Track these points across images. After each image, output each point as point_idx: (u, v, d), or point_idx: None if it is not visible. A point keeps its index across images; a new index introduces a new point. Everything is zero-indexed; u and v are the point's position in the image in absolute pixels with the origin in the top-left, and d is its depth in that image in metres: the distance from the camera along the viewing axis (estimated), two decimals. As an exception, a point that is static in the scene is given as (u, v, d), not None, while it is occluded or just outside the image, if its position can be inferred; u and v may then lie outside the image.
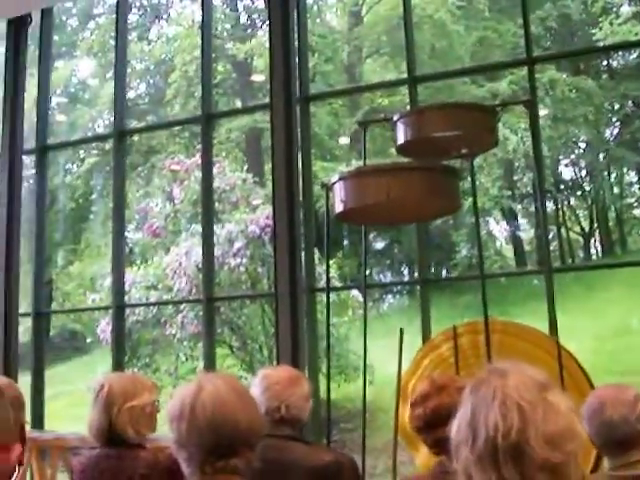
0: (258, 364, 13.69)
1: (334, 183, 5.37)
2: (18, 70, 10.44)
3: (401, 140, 5.77)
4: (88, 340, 20.66)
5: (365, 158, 6.60)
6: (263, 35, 19.24)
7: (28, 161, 10.94)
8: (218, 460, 2.26)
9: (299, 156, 8.49)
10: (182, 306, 13.64)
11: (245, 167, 16.70)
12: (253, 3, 21.95)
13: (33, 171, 11.59)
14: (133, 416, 3.42)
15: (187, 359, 14.40)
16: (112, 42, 17.46)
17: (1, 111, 10.65)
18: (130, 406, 3.42)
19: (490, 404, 1.66)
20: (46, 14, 10.61)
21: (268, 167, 16.94)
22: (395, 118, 5.84)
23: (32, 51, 10.82)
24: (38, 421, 9.62)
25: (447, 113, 5.80)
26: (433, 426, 2.95)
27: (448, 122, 5.56)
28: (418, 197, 5.31)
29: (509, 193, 19.36)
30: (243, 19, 22.03)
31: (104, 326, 13.77)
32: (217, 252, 11.58)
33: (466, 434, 1.68)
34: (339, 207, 5.30)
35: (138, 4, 21.44)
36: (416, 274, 18.81)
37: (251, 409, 2.35)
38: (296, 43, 8.78)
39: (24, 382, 9.81)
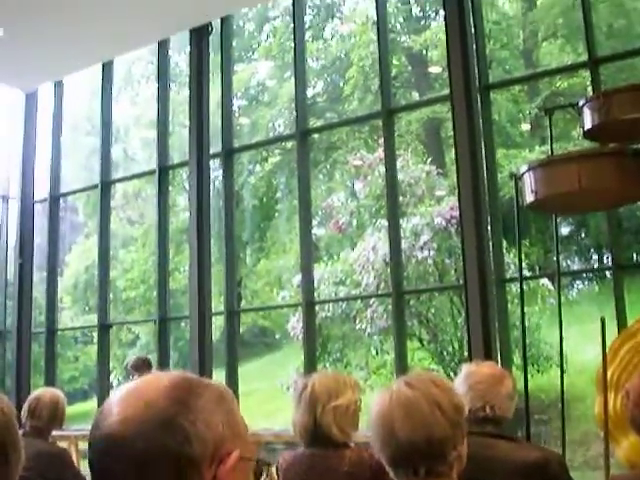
0: (449, 356, 13.64)
1: (523, 173, 5.30)
2: (202, 77, 10.80)
3: (588, 125, 5.63)
4: (277, 336, 21.08)
5: (552, 145, 6.46)
6: (437, 26, 19.12)
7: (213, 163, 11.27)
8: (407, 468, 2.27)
9: (482, 145, 8.41)
10: (371, 300, 13.70)
11: (427, 159, 16.61)
12: (425, -6, 21.85)
13: (218, 173, 11.97)
14: (337, 415, 3.44)
15: (378, 353, 14.45)
16: (289, 43, 17.76)
17: (187, 117, 11.07)
18: (334, 405, 3.44)
19: None
20: (225, 22, 10.91)
21: (449, 158, 16.82)
22: (581, 103, 5.70)
23: (212, 57, 11.15)
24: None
25: (636, 94, 5.61)
26: None
27: (638, 103, 5.39)
28: (611, 183, 5.16)
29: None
30: (415, 11, 21.95)
31: (294, 322, 14.00)
32: (404, 245, 11.60)
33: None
34: (530, 197, 5.22)
35: (311, 4, 21.67)
36: (605, 259, 18.36)
37: (433, 423, 2.29)
38: (472, 31, 8.72)
39: (219, 379, 10.11)
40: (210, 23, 10.83)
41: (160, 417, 1.26)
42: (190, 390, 1.31)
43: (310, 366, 9.51)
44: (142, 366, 8.39)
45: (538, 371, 12.99)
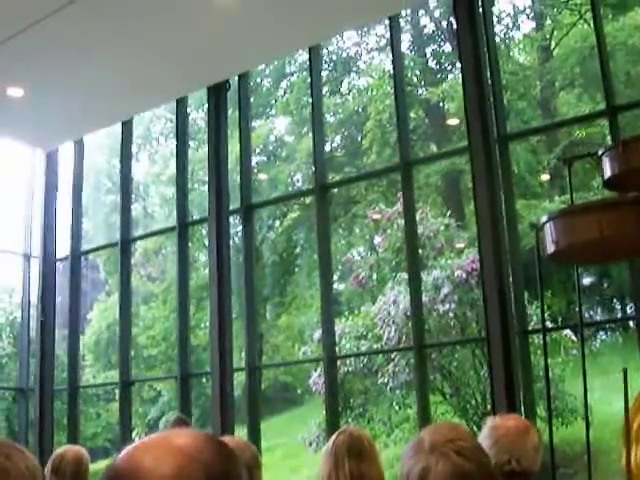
0: (472, 410, 13.50)
1: (544, 223, 5.26)
2: (220, 134, 10.87)
3: (608, 174, 5.60)
4: (299, 392, 20.96)
5: (572, 195, 6.42)
6: (453, 78, 19.25)
7: (232, 219, 11.32)
8: None
9: (501, 196, 8.39)
10: (393, 354, 13.60)
11: (446, 211, 16.61)
12: (440, 47, 22.00)
13: (238, 228, 11.99)
14: None
15: (400, 407, 14.33)
16: (306, 98, 17.90)
17: (206, 174, 11.14)
18: None
19: None
20: (243, 78, 11.01)
21: (469, 209, 16.82)
22: (600, 152, 5.68)
23: (230, 114, 11.24)
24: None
25: (654, 142, 5.58)
26: None
27: (658, 152, 5.36)
28: (633, 232, 5.11)
29: None
30: (432, 63, 22.10)
31: (316, 378, 13.92)
32: (425, 299, 11.52)
33: None
34: (550, 248, 5.18)
35: (328, 59, 21.86)
36: (628, 309, 18.21)
37: None
38: (489, 83, 8.74)
39: (241, 435, 10.05)
40: (227, 80, 10.93)
41: (218, 473, 1.29)
42: (225, 444, 1.33)
43: (332, 421, 9.43)
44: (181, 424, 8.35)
45: (563, 423, 12.80)
